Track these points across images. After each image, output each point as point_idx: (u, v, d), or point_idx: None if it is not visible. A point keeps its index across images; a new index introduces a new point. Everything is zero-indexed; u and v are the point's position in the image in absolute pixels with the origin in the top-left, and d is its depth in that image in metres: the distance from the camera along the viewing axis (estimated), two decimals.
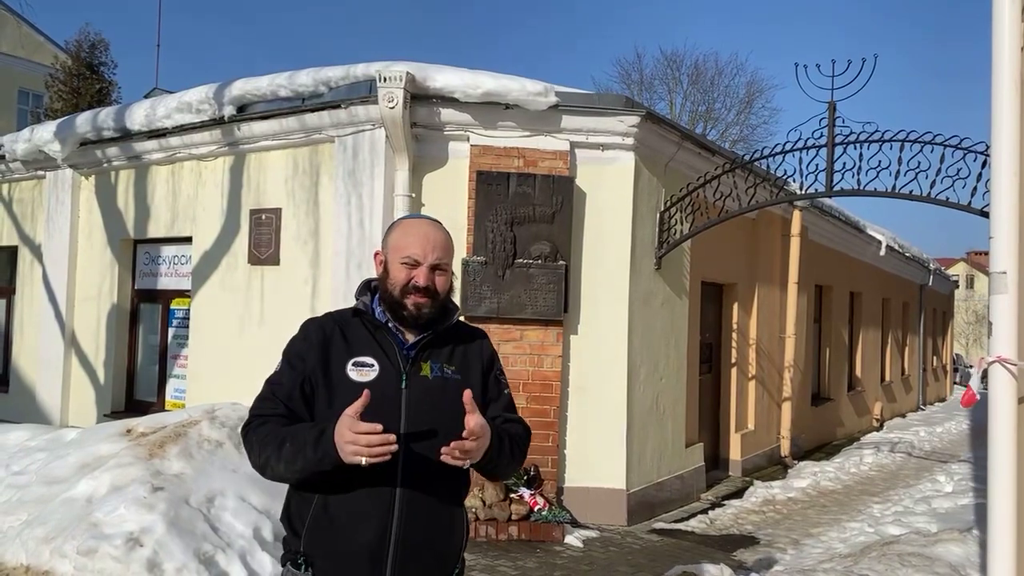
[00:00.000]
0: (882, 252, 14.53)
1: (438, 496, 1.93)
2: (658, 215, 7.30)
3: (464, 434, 1.78)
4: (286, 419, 1.91)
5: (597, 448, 6.71)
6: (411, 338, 1.99)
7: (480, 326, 7.06)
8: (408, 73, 6.24)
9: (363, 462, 1.71)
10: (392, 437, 1.72)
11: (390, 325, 1.99)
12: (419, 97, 6.44)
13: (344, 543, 1.87)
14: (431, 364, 1.98)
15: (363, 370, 1.92)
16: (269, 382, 1.98)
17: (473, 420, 1.80)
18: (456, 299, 2.14)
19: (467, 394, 1.82)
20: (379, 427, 1.71)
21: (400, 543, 1.87)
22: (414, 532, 1.88)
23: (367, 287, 2.06)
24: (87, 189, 8.97)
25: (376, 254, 2.07)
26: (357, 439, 1.70)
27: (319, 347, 1.96)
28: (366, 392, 1.76)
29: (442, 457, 1.79)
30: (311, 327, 2.02)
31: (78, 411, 8.80)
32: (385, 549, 1.86)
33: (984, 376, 3.30)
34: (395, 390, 1.92)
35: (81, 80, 20.36)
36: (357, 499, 1.86)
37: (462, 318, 2.13)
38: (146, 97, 10.77)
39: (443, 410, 1.92)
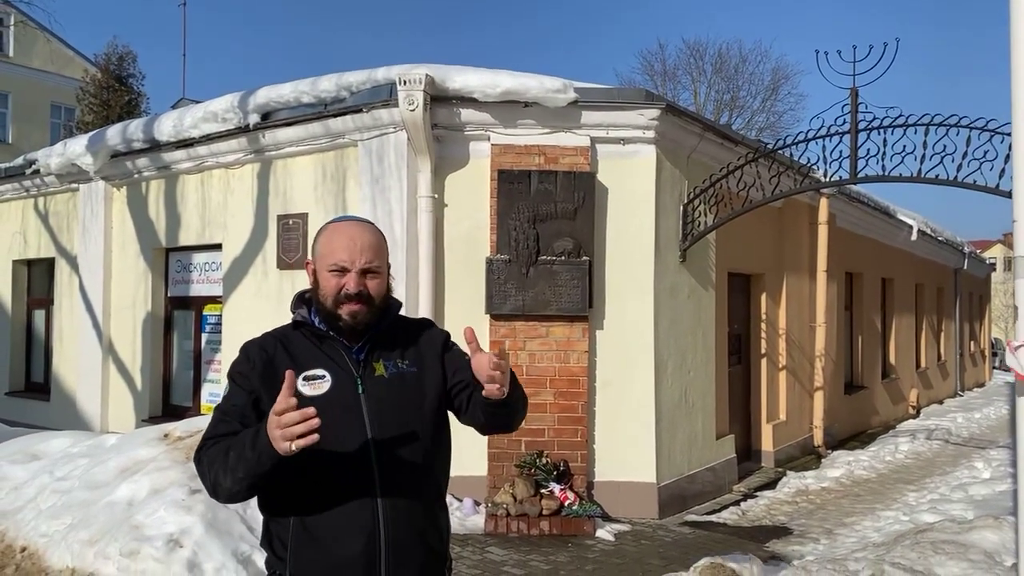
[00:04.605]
0: (913, 237, 14.29)
1: (419, 493, 1.88)
2: (681, 207, 7.29)
3: (490, 362, 1.71)
4: None
5: (626, 442, 6.73)
6: (356, 342, 1.91)
7: (506, 324, 7.07)
8: (428, 75, 6.30)
9: (292, 447, 1.58)
10: (311, 411, 1.57)
11: (332, 334, 1.91)
12: (439, 98, 6.50)
13: (332, 557, 1.80)
14: (384, 363, 1.91)
15: (315, 383, 1.84)
16: (219, 409, 1.89)
17: (488, 354, 1.74)
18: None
19: (468, 331, 1.79)
20: (311, 411, 1.57)
21: (391, 547, 1.82)
22: (403, 533, 1.84)
23: (301, 299, 1.97)
24: (119, 200, 9.18)
25: (307, 264, 1.96)
26: (280, 421, 1.58)
27: (263, 368, 1.87)
28: (290, 373, 1.65)
29: (488, 388, 1.73)
30: (252, 349, 1.92)
31: (117, 417, 9.03)
32: (377, 555, 1.81)
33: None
34: (353, 397, 1.85)
35: (111, 92, 20.83)
36: (336, 512, 1.80)
37: (403, 312, 2.05)
38: (173, 108, 10.98)
39: (406, 406, 1.89)
